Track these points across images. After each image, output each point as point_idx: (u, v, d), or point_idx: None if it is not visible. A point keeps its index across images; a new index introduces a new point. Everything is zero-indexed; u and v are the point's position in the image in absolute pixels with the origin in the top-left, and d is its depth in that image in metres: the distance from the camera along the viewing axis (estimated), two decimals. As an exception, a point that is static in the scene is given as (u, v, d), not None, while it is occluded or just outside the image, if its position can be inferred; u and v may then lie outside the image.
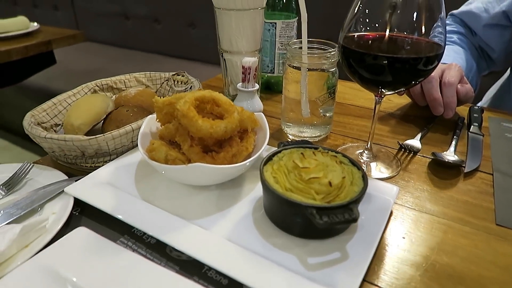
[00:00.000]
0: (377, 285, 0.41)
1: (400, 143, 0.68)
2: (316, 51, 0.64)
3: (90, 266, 0.41)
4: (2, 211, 0.48)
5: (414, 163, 0.64)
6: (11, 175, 0.55)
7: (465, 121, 0.78)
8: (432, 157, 0.64)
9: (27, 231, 0.43)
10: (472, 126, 0.74)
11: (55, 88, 2.02)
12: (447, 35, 0.94)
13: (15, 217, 0.47)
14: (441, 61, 0.82)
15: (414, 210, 0.53)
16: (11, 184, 0.54)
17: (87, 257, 0.42)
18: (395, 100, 0.88)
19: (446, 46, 0.92)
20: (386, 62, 0.49)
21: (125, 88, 0.80)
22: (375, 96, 0.57)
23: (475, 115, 0.78)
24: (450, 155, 0.64)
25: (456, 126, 0.75)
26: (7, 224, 0.46)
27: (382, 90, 0.55)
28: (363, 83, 0.55)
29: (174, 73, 0.81)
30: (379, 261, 0.44)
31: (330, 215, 0.40)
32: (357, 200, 0.43)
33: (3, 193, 0.53)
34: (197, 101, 0.50)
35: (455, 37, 0.97)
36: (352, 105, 0.86)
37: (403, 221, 0.51)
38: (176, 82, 0.81)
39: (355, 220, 0.40)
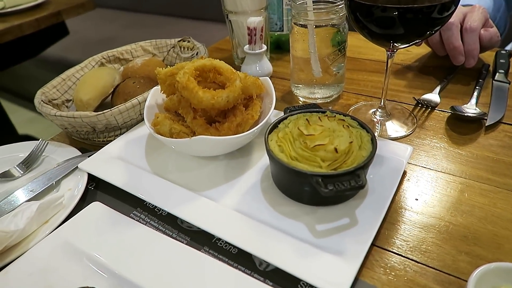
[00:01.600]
0: (387, 250, 0.41)
1: (416, 99, 0.64)
2: (323, 6, 0.59)
3: (106, 239, 0.43)
4: (21, 189, 0.50)
5: (431, 119, 0.61)
6: (28, 153, 0.57)
7: (490, 68, 0.73)
8: (451, 112, 0.60)
9: (45, 208, 0.45)
10: (497, 74, 0.69)
11: (72, 59, 2.03)
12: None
13: (33, 195, 0.50)
14: (467, 2, 0.76)
15: (429, 169, 0.51)
16: (29, 162, 0.56)
17: (102, 231, 0.44)
18: (413, 51, 0.82)
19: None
20: (396, 13, 0.45)
21: (132, 58, 0.79)
22: (387, 51, 0.54)
23: (501, 60, 0.72)
24: (471, 108, 0.60)
25: (480, 74, 0.70)
26: (26, 201, 0.48)
27: (394, 44, 0.51)
28: (373, 38, 0.52)
29: (179, 39, 0.79)
30: (390, 225, 0.44)
31: (335, 182, 0.39)
32: (364, 166, 0.41)
33: (22, 172, 0.55)
34: (197, 71, 0.49)
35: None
36: (365, 59, 0.82)
37: (416, 182, 0.49)
38: (182, 49, 0.79)
39: (362, 186, 0.39)
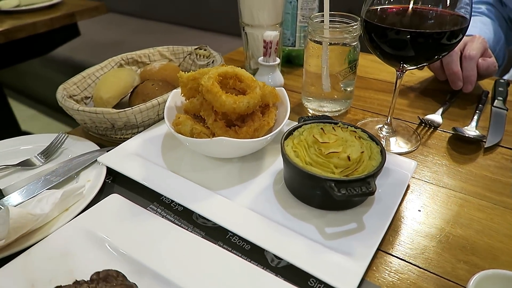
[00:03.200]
0: (391, 254, 0.44)
1: (420, 118, 0.68)
2: (338, 25, 0.63)
3: (125, 228, 0.45)
4: (42, 178, 0.52)
5: (434, 138, 0.65)
6: (47, 144, 0.59)
7: (490, 95, 0.77)
8: (453, 132, 0.64)
9: (67, 196, 0.47)
10: (496, 100, 0.73)
11: (79, 60, 2.06)
12: (475, 5, 0.91)
13: (53, 184, 0.52)
14: (468, 32, 0.80)
15: (431, 184, 0.54)
16: (48, 153, 0.58)
17: (120, 221, 0.46)
18: (417, 74, 0.86)
19: (474, 17, 0.89)
20: (408, 36, 0.49)
21: (149, 62, 0.82)
22: (397, 71, 0.57)
23: (500, 88, 0.76)
24: (471, 130, 0.64)
25: (480, 100, 0.74)
26: (47, 190, 0.50)
27: (404, 65, 0.55)
28: (384, 58, 0.55)
29: (196, 47, 0.82)
30: (394, 232, 0.46)
31: (348, 188, 0.42)
32: (374, 174, 0.44)
33: (42, 161, 0.57)
34: (220, 76, 0.52)
35: (483, 7, 0.93)
36: (373, 79, 0.86)
37: (419, 194, 0.52)
38: (198, 56, 0.82)
39: (372, 193, 0.42)
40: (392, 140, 0.63)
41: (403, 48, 0.51)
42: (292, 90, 0.80)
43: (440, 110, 0.70)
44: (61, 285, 0.35)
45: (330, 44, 0.63)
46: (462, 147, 0.62)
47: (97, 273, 0.36)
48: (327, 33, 0.62)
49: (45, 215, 0.43)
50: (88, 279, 0.36)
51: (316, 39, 0.64)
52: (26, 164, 0.56)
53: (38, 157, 0.57)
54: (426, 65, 0.57)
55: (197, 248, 0.42)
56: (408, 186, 0.53)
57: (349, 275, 0.38)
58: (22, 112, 2.59)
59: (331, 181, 0.42)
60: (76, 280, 0.36)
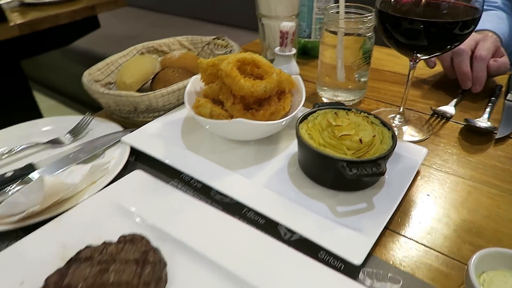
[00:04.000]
0: (399, 234, 0.46)
1: (433, 109, 0.69)
2: (353, 16, 0.65)
3: (146, 201, 0.48)
4: (71, 154, 0.55)
5: (445, 128, 0.66)
6: (75, 125, 0.63)
7: (503, 89, 0.78)
8: (465, 123, 0.65)
9: (95, 170, 0.50)
10: (509, 94, 0.74)
11: (98, 52, 2.11)
12: (491, -1, 0.91)
13: (81, 160, 0.55)
14: (484, 27, 0.81)
15: (441, 171, 0.56)
16: (75, 133, 0.62)
17: (143, 194, 0.49)
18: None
19: (490, 11, 0.89)
20: (421, 26, 0.51)
21: (169, 51, 0.85)
22: (410, 61, 0.59)
23: (514, 83, 0.77)
24: (483, 122, 0.65)
25: (493, 93, 0.75)
26: (75, 164, 0.53)
27: (417, 54, 0.56)
28: (398, 47, 0.57)
29: (214, 37, 0.85)
30: (403, 214, 0.48)
31: (359, 168, 0.44)
32: (385, 156, 0.46)
33: (70, 140, 0.60)
34: (239, 62, 0.54)
35: (499, 1, 0.93)
36: (387, 71, 0.87)
37: (429, 180, 0.54)
38: (216, 46, 0.85)
39: (382, 173, 0.44)
40: (404, 128, 0.65)
41: (416, 38, 0.53)
42: (307, 80, 0.82)
43: (453, 102, 0.72)
44: (91, 245, 0.38)
45: (345, 34, 0.65)
46: (473, 138, 0.63)
47: (124, 236, 0.39)
48: (342, 23, 0.64)
49: (75, 185, 0.46)
50: (116, 241, 0.39)
51: (331, 29, 0.66)
52: (55, 142, 0.60)
53: (66, 136, 0.61)
54: (438, 55, 0.58)
55: (215, 219, 0.45)
56: (419, 172, 0.55)
57: (357, 248, 0.40)
58: (42, 102, 2.66)
59: (343, 162, 0.45)
60: (105, 241, 0.39)
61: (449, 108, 0.70)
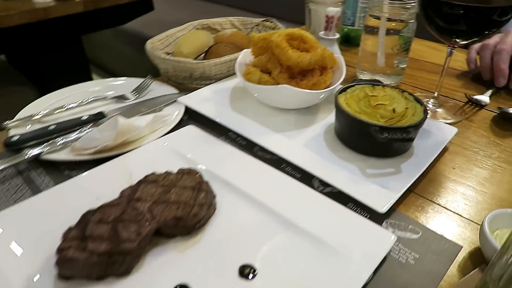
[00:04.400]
0: (422, 196, 0.50)
1: (468, 96, 0.72)
2: (397, 2, 0.69)
3: (198, 148, 0.55)
4: (134, 107, 0.64)
5: (478, 115, 0.69)
6: (138, 84, 0.71)
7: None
8: (498, 112, 0.68)
9: (156, 120, 0.58)
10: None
11: (148, 35, 2.24)
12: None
13: (142, 113, 0.63)
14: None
15: (469, 150, 0.59)
16: (138, 91, 0.70)
17: (196, 143, 0.56)
18: (472, 61, 0.89)
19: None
20: (462, 11, 0.54)
21: (220, 29, 0.92)
22: (448, 46, 0.63)
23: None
24: (517, 111, 0.68)
25: (531, 88, 0.76)
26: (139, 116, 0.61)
27: (456, 39, 0.60)
28: (438, 32, 0.61)
29: (264, 19, 0.91)
30: (428, 181, 0.53)
31: (390, 132, 0.49)
32: (415, 126, 0.51)
33: (134, 97, 0.69)
34: (288, 36, 0.60)
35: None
36: (426, 61, 0.90)
37: (457, 157, 0.58)
38: (264, 28, 0.91)
39: (411, 139, 0.49)
40: (437, 111, 0.68)
41: (456, 22, 0.57)
42: (347, 65, 0.86)
43: (489, 92, 0.74)
44: (155, 172, 0.46)
45: (388, 19, 0.69)
46: (506, 125, 0.66)
47: (182, 169, 0.47)
48: (386, 9, 0.68)
49: (141, 128, 0.55)
50: (175, 172, 0.46)
51: (375, 14, 0.71)
52: (121, 98, 0.68)
53: (130, 93, 0.69)
54: (476, 40, 0.61)
55: (257, 167, 0.51)
56: (447, 148, 0.59)
57: (382, 200, 0.45)
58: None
59: (376, 126, 0.50)
60: (167, 171, 0.46)
61: (484, 98, 0.72)
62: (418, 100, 0.56)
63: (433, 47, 0.97)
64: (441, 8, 0.56)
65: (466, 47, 0.76)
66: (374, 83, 0.60)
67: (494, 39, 0.76)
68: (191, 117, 0.66)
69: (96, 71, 3.06)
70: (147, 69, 0.94)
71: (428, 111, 0.68)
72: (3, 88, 1.45)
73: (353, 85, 0.59)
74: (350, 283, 0.37)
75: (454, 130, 0.59)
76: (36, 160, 0.55)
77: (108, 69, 2.92)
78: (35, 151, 0.53)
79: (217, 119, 0.61)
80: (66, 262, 0.37)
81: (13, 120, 0.62)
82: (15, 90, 1.44)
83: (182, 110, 0.64)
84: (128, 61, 2.53)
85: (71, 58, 1.65)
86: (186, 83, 0.74)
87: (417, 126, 0.51)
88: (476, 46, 0.81)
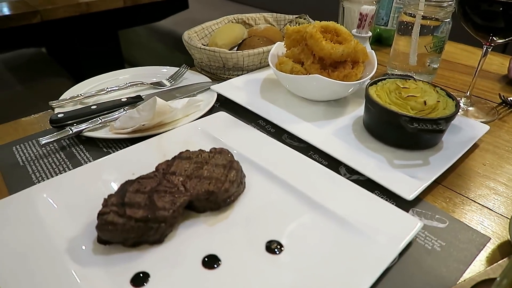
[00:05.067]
0: (450, 189, 0.50)
1: (502, 96, 0.71)
2: (433, 0, 0.69)
3: (229, 132, 0.57)
4: (170, 92, 0.67)
5: (512, 116, 0.68)
6: (173, 72, 0.74)
7: None
8: (533, 114, 0.66)
9: (190, 104, 0.60)
10: None
11: (180, 34, 2.30)
12: None
13: (177, 99, 0.66)
14: None
15: (501, 149, 0.58)
16: (173, 79, 0.73)
17: (227, 127, 0.58)
18: (505, 64, 0.87)
19: None
20: (500, 9, 0.54)
21: (254, 25, 0.94)
22: (484, 44, 0.62)
23: None
24: (553, 114, 0.66)
25: None
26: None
27: (493, 37, 0.59)
28: (475, 29, 0.60)
29: (297, 16, 0.93)
30: (457, 175, 0.53)
31: (420, 123, 0.49)
32: (446, 118, 0.51)
33: (170, 84, 0.72)
34: (322, 28, 0.62)
35: None
36: (459, 63, 0.89)
37: (488, 153, 0.57)
38: (297, 25, 0.92)
39: (441, 131, 0.49)
40: (469, 110, 0.68)
41: (493, 20, 0.56)
42: (379, 63, 0.87)
43: (524, 95, 0.73)
44: (189, 150, 0.48)
45: (423, 18, 0.69)
46: (540, 127, 0.64)
47: (215, 148, 0.49)
48: (421, 6, 0.68)
49: (177, 110, 0.57)
50: (208, 151, 0.49)
51: (410, 12, 0.71)
52: (158, 84, 0.72)
53: (167, 80, 0.73)
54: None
55: (285, 152, 0.52)
56: (478, 145, 0.58)
57: (409, 188, 0.46)
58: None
59: (406, 117, 0.50)
60: (200, 149, 0.48)
61: (520, 99, 0.71)
62: (450, 95, 0.56)
63: (467, 50, 0.96)
64: (479, 4, 0.56)
65: (503, 50, 0.76)
66: (405, 77, 0.60)
67: None
68: (223, 105, 0.68)
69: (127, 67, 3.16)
70: (178, 66, 0.97)
71: (460, 110, 0.67)
72: (44, 78, 1.53)
73: (384, 79, 0.60)
74: (375, 263, 0.38)
75: (485, 127, 0.59)
76: (78, 137, 0.59)
77: (140, 66, 3.01)
78: (77, 128, 0.57)
79: (248, 106, 0.63)
80: (106, 226, 0.39)
81: (58, 100, 0.66)
82: (54, 81, 1.52)
83: (215, 97, 0.67)
84: (161, 59, 2.60)
85: (107, 52, 1.72)
86: (219, 73, 0.76)
87: (448, 119, 0.51)
88: None
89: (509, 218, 0.45)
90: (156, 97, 0.55)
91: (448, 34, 0.72)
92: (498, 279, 0.31)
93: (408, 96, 0.52)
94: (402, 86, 0.54)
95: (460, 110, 0.67)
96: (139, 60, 3.03)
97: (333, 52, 0.59)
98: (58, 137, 0.55)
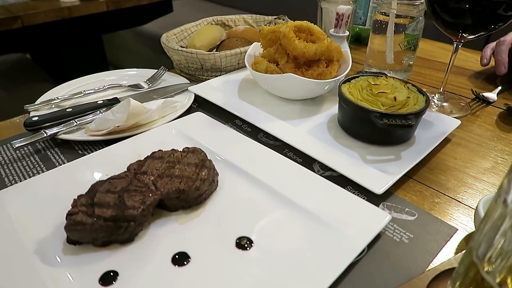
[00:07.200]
0: (421, 182, 0.51)
1: (474, 92, 0.72)
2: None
3: (205, 132, 0.57)
4: (146, 94, 0.67)
5: (485, 111, 0.69)
6: (151, 75, 0.74)
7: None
8: (505, 109, 0.68)
9: (167, 105, 0.61)
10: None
11: (166, 37, 2.30)
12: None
13: (156, 99, 0.66)
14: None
15: (473, 143, 0.60)
16: (152, 80, 0.73)
17: (203, 128, 0.58)
18: (478, 59, 0.89)
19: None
20: (467, 6, 0.55)
21: (234, 26, 0.95)
22: (454, 41, 0.63)
23: None
24: (524, 108, 0.67)
25: (541, 87, 0.76)
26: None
27: (463, 34, 0.61)
28: (445, 27, 0.62)
29: (276, 16, 0.94)
30: (428, 169, 0.53)
31: (390, 119, 0.50)
32: (416, 114, 0.52)
33: (147, 86, 0.72)
34: (296, 27, 0.62)
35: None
36: (434, 60, 0.91)
37: (460, 147, 0.58)
38: (275, 25, 0.93)
39: (410, 126, 0.50)
40: (443, 106, 0.69)
41: (461, 17, 0.58)
42: (356, 62, 0.88)
43: (497, 90, 0.74)
44: (161, 149, 0.48)
45: (397, 16, 0.71)
46: (512, 121, 0.66)
47: (188, 147, 0.49)
48: (394, 5, 0.70)
49: (152, 111, 0.57)
50: (181, 150, 0.49)
51: (383, 11, 0.72)
52: (136, 86, 0.72)
53: (144, 82, 0.73)
54: (482, 35, 0.61)
55: (259, 150, 0.53)
56: (450, 140, 0.60)
57: (380, 182, 0.47)
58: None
59: (376, 113, 0.51)
60: (173, 149, 0.49)
61: (492, 95, 0.72)
62: (421, 91, 0.57)
63: (443, 48, 0.98)
64: (447, 2, 0.57)
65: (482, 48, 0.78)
66: (378, 74, 0.61)
67: (510, 36, 0.76)
68: (200, 106, 0.68)
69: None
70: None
71: (433, 105, 0.69)
72: (27, 84, 1.51)
73: (357, 76, 0.61)
74: (343, 255, 0.38)
75: (457, 122, 0.60)
76: (53, 140, 0.58)
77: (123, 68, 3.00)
78: (52, 131, 0.57)
79: (224, 106, 0.63)
80: (74, 226, 0.39)
81: (33, 104, 0.65)
82: (37, 86, 1.50)
83: (192, 98, 0.67)
84: (146, 62, 2.60)
85: (91, 57, 1.71)
86: (197, 75, 0.77)
87: (418, 114, 0.52)
88: (492, 44, 0.81)
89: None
90: (130, 98, 0.55)
91: (421, 32, 0.73)
92: (457, 267, 0.32)
93: (378, 92, 0.53)
94: (373, 83, 0.55)
95: (434, 106, 0.69)
96: (125, 63, 3.01)
97: (306, 51, 0.60)
98: (32, 140, 0.55)
